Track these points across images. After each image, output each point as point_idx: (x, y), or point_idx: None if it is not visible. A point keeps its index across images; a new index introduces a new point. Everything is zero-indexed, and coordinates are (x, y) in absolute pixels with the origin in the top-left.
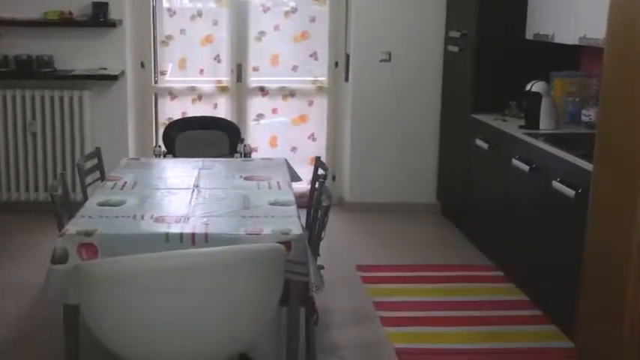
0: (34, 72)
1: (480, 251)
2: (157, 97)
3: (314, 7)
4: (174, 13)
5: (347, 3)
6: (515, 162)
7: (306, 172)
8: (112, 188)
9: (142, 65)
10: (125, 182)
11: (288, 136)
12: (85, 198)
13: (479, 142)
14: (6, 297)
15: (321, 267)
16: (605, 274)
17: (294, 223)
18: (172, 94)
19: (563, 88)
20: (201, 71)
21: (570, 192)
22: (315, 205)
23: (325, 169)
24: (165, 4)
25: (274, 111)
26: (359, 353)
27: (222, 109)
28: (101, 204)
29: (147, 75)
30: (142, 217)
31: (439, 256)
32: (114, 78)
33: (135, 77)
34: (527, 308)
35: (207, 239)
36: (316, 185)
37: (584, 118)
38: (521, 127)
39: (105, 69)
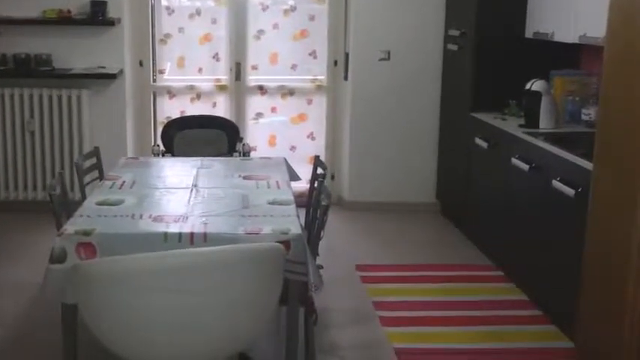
0: (33, 71)
1: (479, 251)
2: (156, 95)
3: (313, 5)
4: (173, 11)
5: (346, 1)
6: (515, 161)
7: (305, 171)
8: (111, 187)
9: (141, 64)
10: (124, 181)
11: (287, 135)
12: (84, 197)
13: (478, 141)
14: (4, 296)
15: (320, 267)
16: (605, 274)
17: (293, 223)
18: (171, 92)
19: (563, 87)
20: (200, 70)
21: (570, 191)
22: (314, 205)
23: (324, 168)
24: (164, 3)
25: (273, 110)
26: (358, 353)
27: (220, 108)
28: (99, 203)
29: (145, 74)
30: (141, 217)
31: (439, 255)
32: (112, 77)
33: (133, 76)
34: (527, 308)
35: (205, 239)
36: (315, 184)
37: (584, 117)
38: (520, 126)
39: (103, 68)
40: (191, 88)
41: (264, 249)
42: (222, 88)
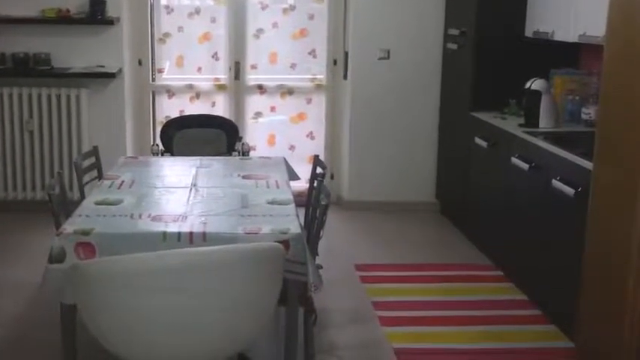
0: (31, 70)
1: (479, 250)
2: (155, 95)
3: (312, 4)
4: (172, 10)
5: (345, 0)
6: (515, 160)
7: (304, 171)
8: (110, 187)
9: (140, 63)
10: (123, 181)
11: (286, 134)
12: (83, 197)
13: (478, 141)
14: (3, 296)
15: (320, 266)
16: (605, 274)
17: (292, 222)
18: (170, 92)
19: (563, 86)
20: (199, 69)
21: (570, 191)
22: (314, 204)
23: (324, 168)
24: (163, 2)
25: (272, 109)
26: (357, 353)
27: (220, 107)
28: (98, 203)
29: (144, 73)
30: (140, 216)
31: (438, 255)
32: (111, 76)
33: (132, 75)
34: (526, 308)
35: (205, 238)
36: (315, 184)
37: (583, 117)
38: (520, 125)
39: (102, 67)
40: (190, 87)
41: (264, 249)
42: (221, 88)
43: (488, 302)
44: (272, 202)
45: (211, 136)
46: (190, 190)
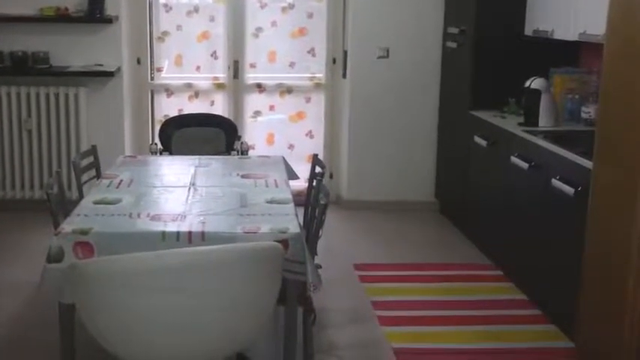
0: (30, 68)
1: (478, 250)
2: (153, 93)
3: (311, 3)
4: (171, 8)
5: None
6: (515, 159)
7: (303, 170)
8: (108, 186)
9: (139, 62)
10: (121, 180)
11: (285, 133)
12: (81, 196)
13: (477, 140)
14: (1, 296)
15: (319, 266)
16: (605, 274)
17: (291, 222)
18: (169, 90)
19: (562, 85)
20: (198, 68)
21: (570, 190)
22: (313, 203)
23: (323, 167)
24: (162, 0)
25: (271, 108)
26: (357, 353)
27: (218, 106)
28: (97, 202)
29: (143, 71)
30: (138, 216)
31: (437, 254)
32: (110, 74)
33: (131, 74)
34: (526, 308)
35: (203, 238)
36: (314, 183)
37: (583, 115)
38: (520, 124)
39: (101, 65)
40: (189, 86)
41: (263, 248)
42: (220, 86)
43: (488, 302)
44: (271, 202)
45: (210, 135)
46: (189, 189)
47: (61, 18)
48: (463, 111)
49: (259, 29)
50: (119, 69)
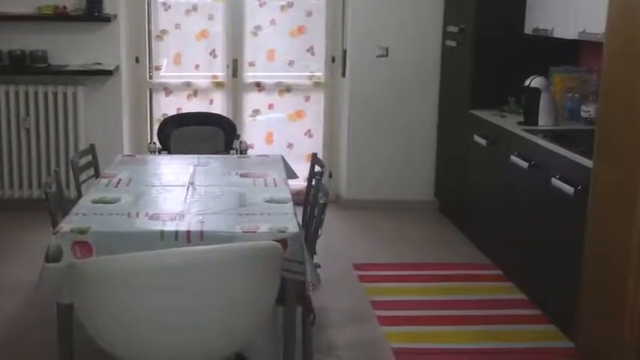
0: (28, 67)
1: (478, 249)
2: (152, 92)
3: (310, 1)
4: (169, 7)
5: None
6: (514, 159)
7: (302, 169)
8: (107, 185)
9: (137, 60)
10: (120, 179)
11: (284, 132)
12: (79, 195)
13: (477, 139)
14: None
15: (318, 265)
16: (605, 273)
17: (290, 221)
18: (167, 89)
19: (562, 84)
20: (197, 66)
21: (570, 189)
22: (312, 203)
23: (322, 166)
24: None
25: (270, 107)
26: (356, 353)
27: (217, 105)
28: (95, 201)
29: (141, 70)
30: (137, 215)
31: (437, 254)
32: (108, 73)
33: (129, 72)
34: (526, 307)
35: (202, 237)
36: (313, 182)
37: (583, 114)
38: (519, 123)
39: (99, 64)
40: (188, 84)
41: (261, 247)
42: (219, 85)
43: (488, 302)
44: (270, 201)
45: (209, 134)
46: (188, 188)
47: (60, 17)
48: (463, 110)
49: (258, 27)
50: (117, 68)
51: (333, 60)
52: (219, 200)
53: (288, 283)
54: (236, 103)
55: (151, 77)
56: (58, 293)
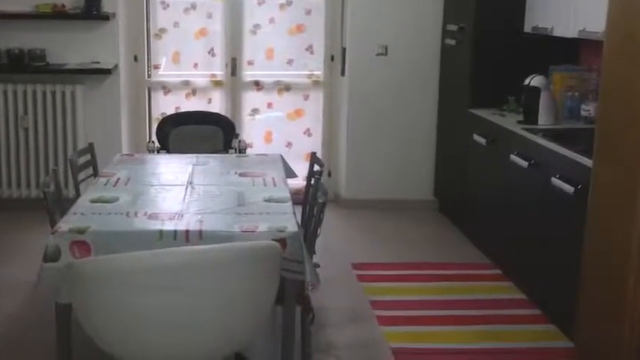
0: (26, 66)
1: (477, 249)
2: (151, 91)
3: None
4: (168, 5)
5: None
6: (514, 158)
7: (301, 168)
8: (105, 185)
9: (136, 59)
10: (118, 178)
11: (283, 131)
12: (78, 194)
13: (477, 138)
14: None
15: (317, 265)
16: (605, 273)
17: (289, 220)
18: (166, 88)
19: (562, 83)
20: (196, 65)
21: (570, 188)
22: (311, 202)
23: (321, 165)
24: None
25: (269, 105)
26: (355, 353)
27: (216, 104)
28: (94, 201)
29: (140, 69)
30: (136, 214)
31: (436, 253)
32: (107, 72)
33: (128, 71)
34: (525, 307)
35: (201, 236)
36: (312, 181)
37: (583, 113)
38: (519, 122)
39: (98, 63)
40: (186, 83)
41: (261, 247)
42: (217, 84)
43: (487, 301)
44: (269, 200)
45: (208, 133)
46: (186, 187)
47: (58, 15)
48: (462, 109)
49: (257, 26)
50: (116, 66)
51: (332, 58)
52: (217, 200)
53: (288, 282)
54: (235, 101)
55: (149, 76)
56: (57, 293)
